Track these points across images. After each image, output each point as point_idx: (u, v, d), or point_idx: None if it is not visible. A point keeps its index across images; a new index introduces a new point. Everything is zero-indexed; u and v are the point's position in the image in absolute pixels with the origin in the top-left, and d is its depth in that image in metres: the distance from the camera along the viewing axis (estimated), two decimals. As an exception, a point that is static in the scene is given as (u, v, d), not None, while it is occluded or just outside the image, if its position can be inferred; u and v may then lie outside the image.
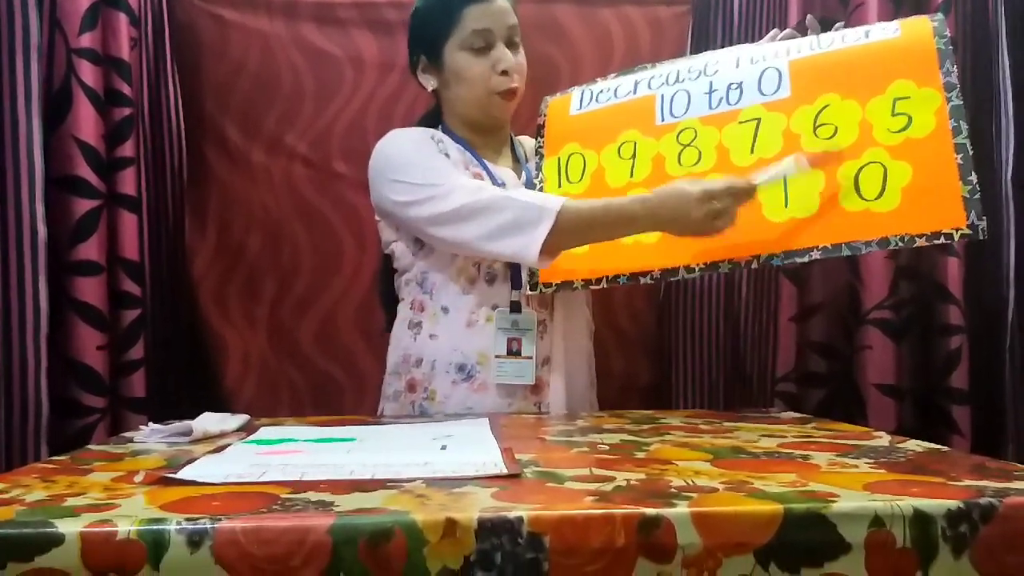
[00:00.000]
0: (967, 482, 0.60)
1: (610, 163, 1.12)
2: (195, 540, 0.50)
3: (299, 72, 1.52)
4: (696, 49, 1.56)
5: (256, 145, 1.52)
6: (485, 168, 1.20)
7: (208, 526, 0.51)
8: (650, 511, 0.52)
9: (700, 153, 1.01)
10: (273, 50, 1.51)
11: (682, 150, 1.03)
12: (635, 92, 1.15)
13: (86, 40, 1.23)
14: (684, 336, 1.56)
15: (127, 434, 0.96)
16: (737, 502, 0.55)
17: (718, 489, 0.59)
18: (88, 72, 1.23)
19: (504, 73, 1.16)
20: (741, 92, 1.01)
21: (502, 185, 1.18)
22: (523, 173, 1.24)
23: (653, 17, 1.55)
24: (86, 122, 1.23)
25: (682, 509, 0.53)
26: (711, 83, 1.06)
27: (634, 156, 1.08)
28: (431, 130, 1.23)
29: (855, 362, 1.43)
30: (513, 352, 1.13)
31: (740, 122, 1.00)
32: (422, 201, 1.09)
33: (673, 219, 0.97)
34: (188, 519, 0.51)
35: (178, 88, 1.51)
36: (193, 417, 0.95)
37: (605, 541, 0.51)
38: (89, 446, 0.89)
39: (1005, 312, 1.35)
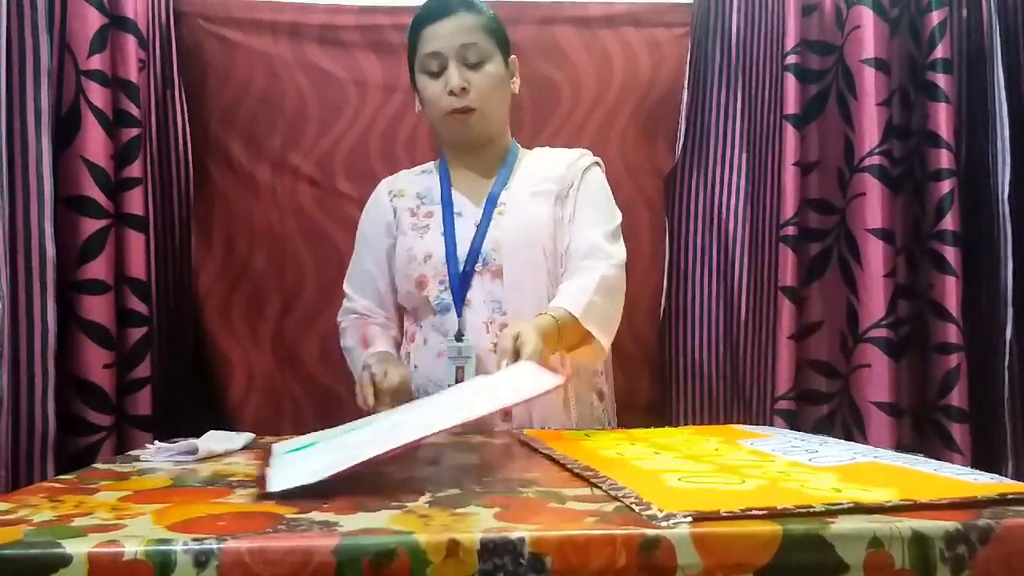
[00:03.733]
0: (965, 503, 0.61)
1: None
2: (201, 560, 0.51)
3: (304, 93, 1.54)
4: (695, 71, 1.58)
5: (261, 164, 1.54)
6: (444, 202, 1.24)
7: (214, 546, 0.51)
8: (650, 532, 0.53)
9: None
10: (278, 71, 1.53)
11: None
12: None
13: (95, 62, 1.25)
14: (684, 355, 1.57)
15: (133, 452, 0.96)
16: (737, 523, 0.55)
17: (718, 509, 0.59)
18: (97, 94, 1.25)
19: (452, 92, 1.17)
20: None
21: (456, 216, 1.22)
22: (485, 200, 1.23)
23: (652, 39, 1.57)
24: (94, 143, 1.25)
25: (682, 530, 0.53)
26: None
27: None
28: (397, 180, 1.31)
29: (854, 380, 1.44)
30: (459, 380, 1.14)
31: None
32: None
33: None
34: (195, 539, 0.52)
35: (185, 109, 1.53)
36: (197, 434, 0.95)
37: (606, 562, 0.52)
38: (95, 465, 0.89)
39: (1003, 330, 1.36)
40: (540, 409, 1.16)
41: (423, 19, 1.19)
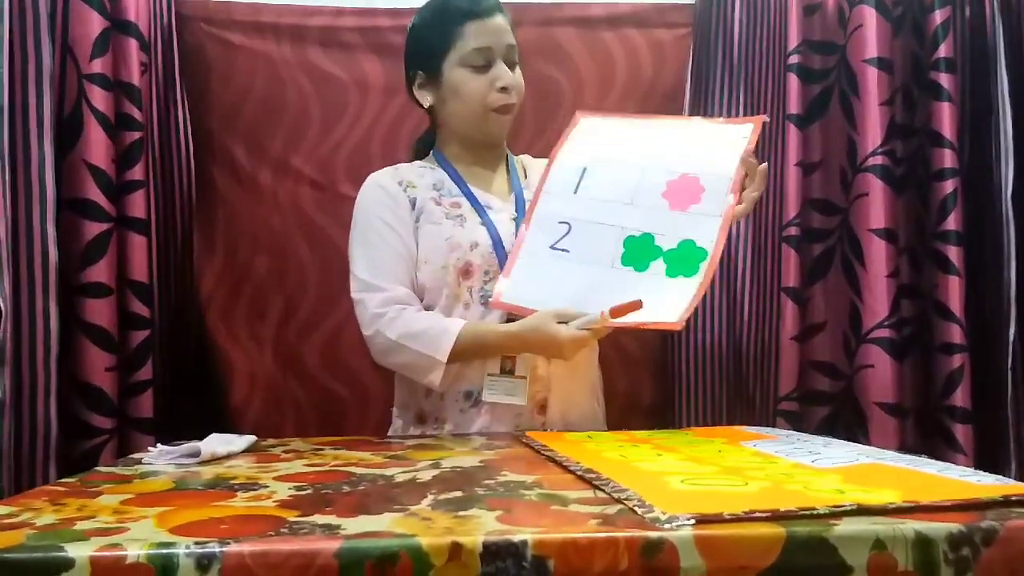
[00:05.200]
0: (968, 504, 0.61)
1: None
2: (204, 564, 0.51)
3: (305, 95, 1.54)
4: (697, 71, 1.58)
5: (263, 167, 1.54)
6: (466, 195, 1.21)
7: (217, 550, 0.51)
8: (653, 534, 0.53)
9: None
10: (280, 74, 1.53)
11: None
12: None
13: (97, 66, 1.25)
14: (687, 355, 1.57)
15: (135, 456, 0.96)
16: (740, 525, 0.55)
17: (721, 512, 0.59)
18: (99, 97, 1.25)
19: (503, 90, 1.17)
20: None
21: (486, 209, 1.20)
22: (512, 194, 1.24)
23: (654, 40, 1.57)
24: (96, 146, 1.25)
25: (685, 532, 0.53)
26: None
27: None
28: (400, 172, 1.23)
29: (857, 381, 1.44)
30: (507, 371, 1.14)
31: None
32: (357, 302, 1.17)
33: (541, 349, 1.10)
34: (197, 543, 0.52)
35: (187, 111, 1.53)
36: (199, 437, 0.96)
37: (609, 564, 0.52)
38: (98, 468, 0.89)
39: (1006, 330, 1.35)
40: (573, 405, 1.18)
41: (468, 13, 1.16)
